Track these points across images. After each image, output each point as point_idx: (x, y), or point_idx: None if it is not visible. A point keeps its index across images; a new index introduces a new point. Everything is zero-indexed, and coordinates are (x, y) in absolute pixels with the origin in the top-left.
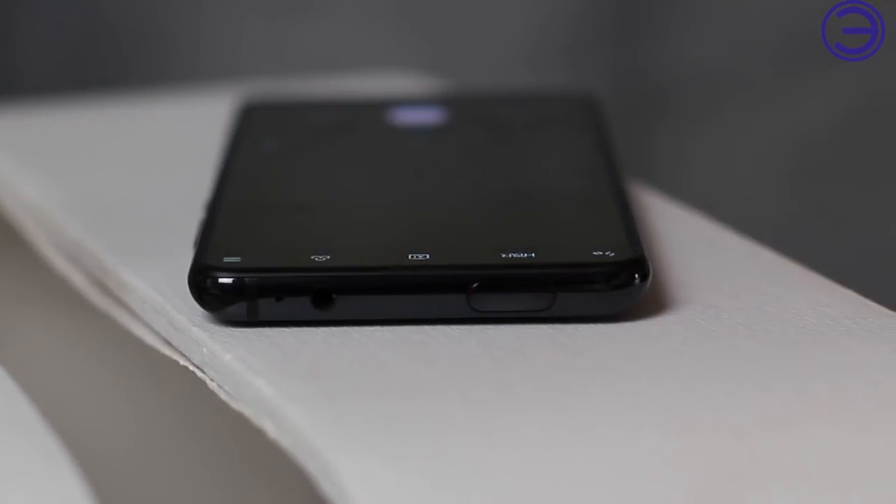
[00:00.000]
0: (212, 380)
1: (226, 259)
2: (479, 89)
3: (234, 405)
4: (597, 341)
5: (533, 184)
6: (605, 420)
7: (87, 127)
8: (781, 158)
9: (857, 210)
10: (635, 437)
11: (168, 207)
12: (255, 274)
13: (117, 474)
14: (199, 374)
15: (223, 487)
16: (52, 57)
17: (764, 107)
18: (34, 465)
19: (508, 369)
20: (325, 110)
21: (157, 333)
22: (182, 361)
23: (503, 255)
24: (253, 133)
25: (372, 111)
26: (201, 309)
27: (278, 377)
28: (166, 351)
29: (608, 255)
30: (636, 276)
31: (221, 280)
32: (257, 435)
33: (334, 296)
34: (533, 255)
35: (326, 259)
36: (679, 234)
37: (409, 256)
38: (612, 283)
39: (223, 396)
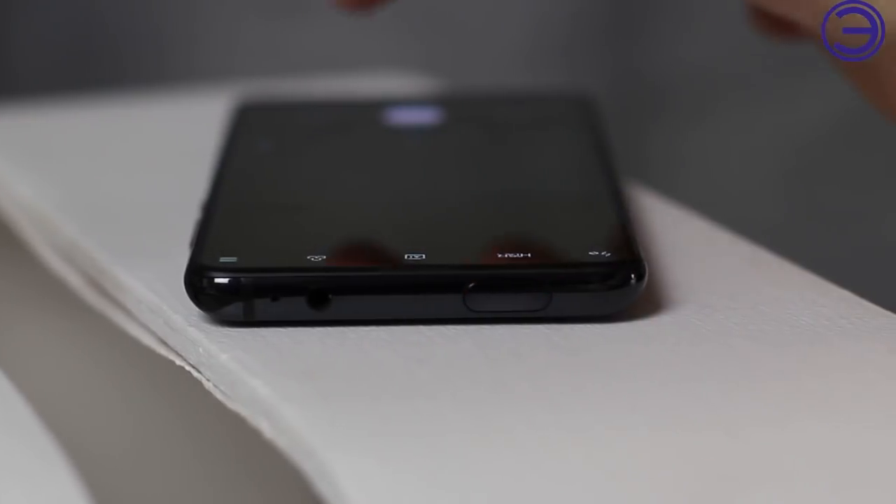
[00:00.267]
0: (208, 380)
1: (222, 259)
2: (475, 89)
3: (230, 405)
4: (593, 341)
5: (529, 184)
6: (601, 420)
7: (83, 127)
8: (777, 158)
9: (852, 210)
10: (631, 437)
11: (164, 207)
12: (251, 274)
13: (113, 474)
14: (195, 374)
15: (219, 487)
16: (48, 57)
17: (760, 107)
18: (30, 464)
19: (504, 369)
20: (321, 110)
21: (153, 333)
22: (178, 361)
23: (499, 255)
24: (249, 133)
25: (368, 111)
26: (197, 309)
27: (274, 377)
28: (162, 351)
29: (604, 256)
30: (632, 276)
31: (217, 280)
32: (253, 435)
33: (330, 296)
34: (529, 255)
35: (322, 259)
36: (675, 233)
37: (405, 256)
38: (608, 284)
39: (219, 396)
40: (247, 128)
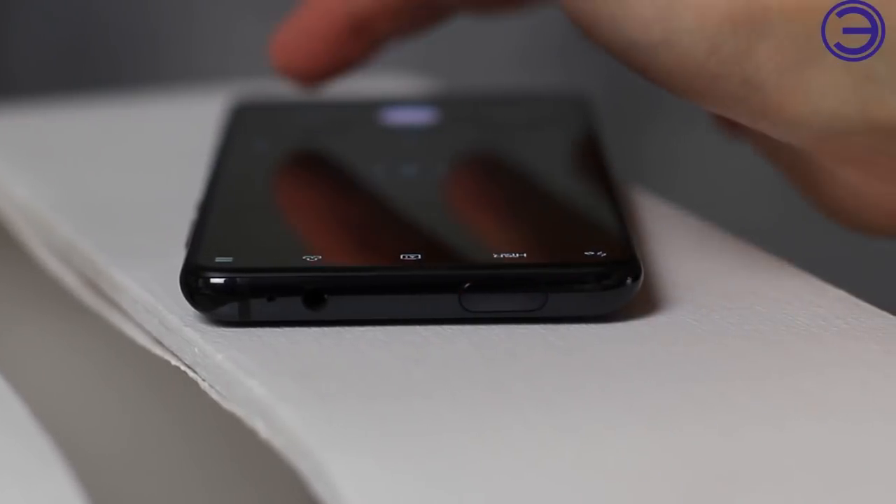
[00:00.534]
0: (203, 380)
1: (217, 259)
2: (471, 89)
3: (226, 405)
4: (589, 341)
5: (525, 184)
6: (597, 420)
7: (79, 127)
8: None
9: None
10: (627, 437)
11: (160, 207)
12: (246, 274)
13: (109, 474)
14: (190, 374)
15: (215, 487)
16: (44, 56)
17: None
18: (26, 464)
19: (500, 369)
20: (316, 110)
21: (148, 333)
22: (174, 361)
23: (495, 256)
24: (245, 133)
25: (364, 111)
26: (193, 309)
27: (270, 377)
28: (158, 351)
29: (600, 256)
30: (628, 276)
31: (213, 280)
32: (249, 435)
33: (326, 296)
34: (524, 255)
35: (318, 259)
36: (670, 234)
37: (401, 256)
38: (603, 284)
39: (215, 396)
40: (243, 128)
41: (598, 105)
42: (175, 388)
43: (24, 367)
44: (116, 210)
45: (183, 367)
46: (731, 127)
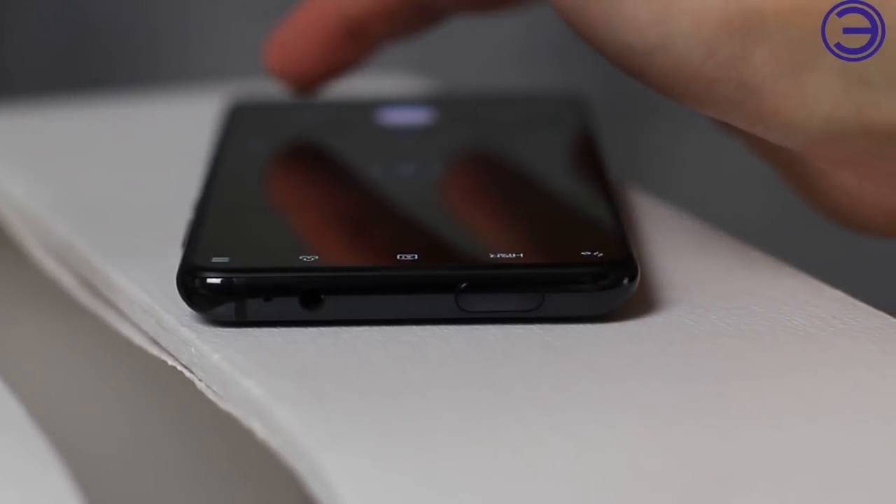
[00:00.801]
0: (200, 380)
1: (214, 259)
2: (468, 89)
3: (223, 405)
4: (585, 341)
5: (521, 184)
6: (594, 420)
7: (76, 127)
8: None
9: None
10: (623, 437)
11: (156, 207)
12: (243, 274)
13: (106, 474)
14: (187, 374)
15: (212, 487)
16: (41, 57)
17: None
18: (23, 464)
19: (497, 369)
20: (313, 110)
21: (145, 333)
22: (170, 361)
23: (491, 256)
24: (241, 133)
25: (360, 111)
26: (190, 309)
27: (267, 377)
28: (154, 351)
29: (596, 256)
30: (624, 276)
31: (210, 280)
32: (246, 435)
33: (323, 296)
34: (521, 255)
35: (315, 259)
36: (667, 234)
37: (398, 256)
38: (600, 284)
39: (211, 397)
40: (239, 128)
41: (595, 105)
42: (172, 388)
43: (21, 367)
44: (113, 210)
45: (179, 367)
46: (727, 127)
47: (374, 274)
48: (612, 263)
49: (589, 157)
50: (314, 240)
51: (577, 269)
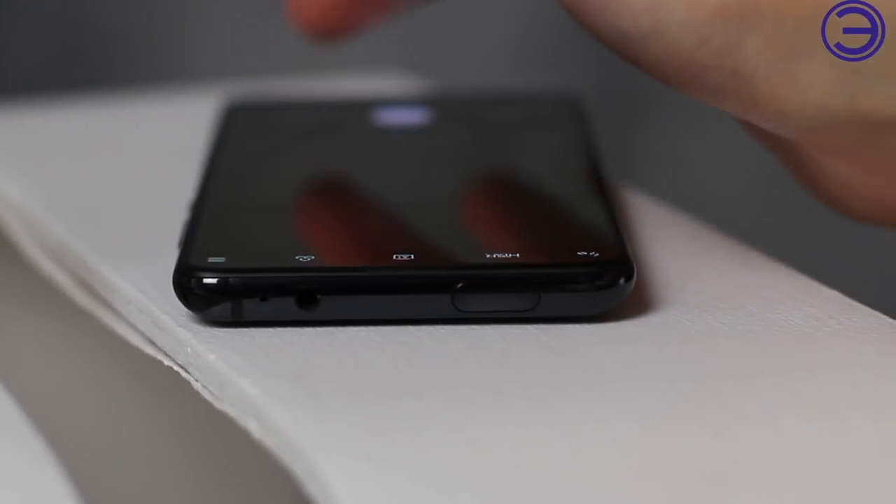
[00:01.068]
0: (196, 380)
1: (210, 259)
2: (464, 89)
3: (219, 405)
4: (581, 341)
5: (517, 184)
6: (590, 420)
7: (72, 127)
8: (766, 158)
9: None
10: (619, 437)
11: (153, 208)
12: (239, 274)
13: (102, 474)
14: (183, 374)
15: (208, 487)
16: (37, 57)
17: None
18: (19, 464)
19: (493, 369)
20: (309, 111)
21: (141, 334)
22: (166, 361)
23: (487, 256)
24: (237, 133)
25: (356, 111)
26: (186, 309)
27: (263, 377)
28: (150, 351)
29: (592, 256)
30: (620, 276)
31: (206, 280)
32: (242, 435)
33: (319, 296)
34: (517, 255)
35: (311, 259)
36: (663, 234)
37: (394, 257)
38: (596, 284)
39: (207, 397)
40: (235, 128)
41: (591, 105)
42: (168, 388)
43: (17, 367)
44: (109, 210)
45: (176, 367)
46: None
47: (370, 274)
48: (608, 263)
49: (585, 157)
50: (310, 240)
51: (573, 269)
